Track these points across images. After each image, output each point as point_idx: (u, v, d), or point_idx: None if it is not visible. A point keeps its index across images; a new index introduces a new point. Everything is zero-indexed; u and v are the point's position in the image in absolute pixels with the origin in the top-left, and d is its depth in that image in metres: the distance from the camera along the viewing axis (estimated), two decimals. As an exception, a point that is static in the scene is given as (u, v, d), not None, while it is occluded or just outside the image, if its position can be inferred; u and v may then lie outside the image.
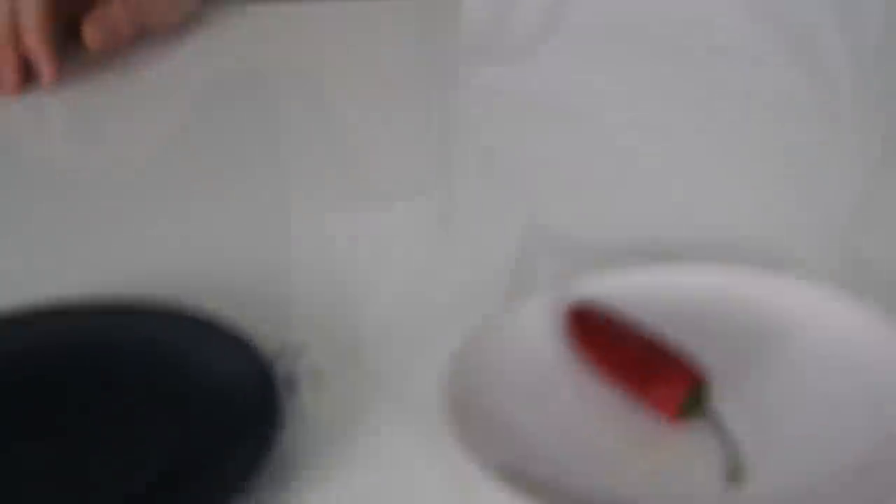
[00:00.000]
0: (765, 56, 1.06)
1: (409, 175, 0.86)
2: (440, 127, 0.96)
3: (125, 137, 0.98)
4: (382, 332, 0.68)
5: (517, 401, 0.59)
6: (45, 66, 1.01)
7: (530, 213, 0.81)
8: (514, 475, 0.53)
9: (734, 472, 0.54)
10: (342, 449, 0.58)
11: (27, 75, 1.03)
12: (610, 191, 0.83)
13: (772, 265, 0.68)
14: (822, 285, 0.64)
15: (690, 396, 0.56)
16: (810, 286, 0.64)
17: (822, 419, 0.58)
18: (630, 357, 0.60)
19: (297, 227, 0.81)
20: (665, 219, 0.78)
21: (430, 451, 0.58)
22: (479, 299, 0.67)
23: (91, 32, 1.02)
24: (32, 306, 0.66)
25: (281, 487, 0.56)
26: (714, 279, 0.65)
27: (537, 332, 0.63)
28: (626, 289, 0.64)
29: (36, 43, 1.02)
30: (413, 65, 1.08)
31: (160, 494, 0.54)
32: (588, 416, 0.59)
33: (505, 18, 1.13)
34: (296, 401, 0.60)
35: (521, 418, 0.58)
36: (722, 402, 0.57)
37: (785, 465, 0.55)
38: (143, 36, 1.05)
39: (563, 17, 1.13)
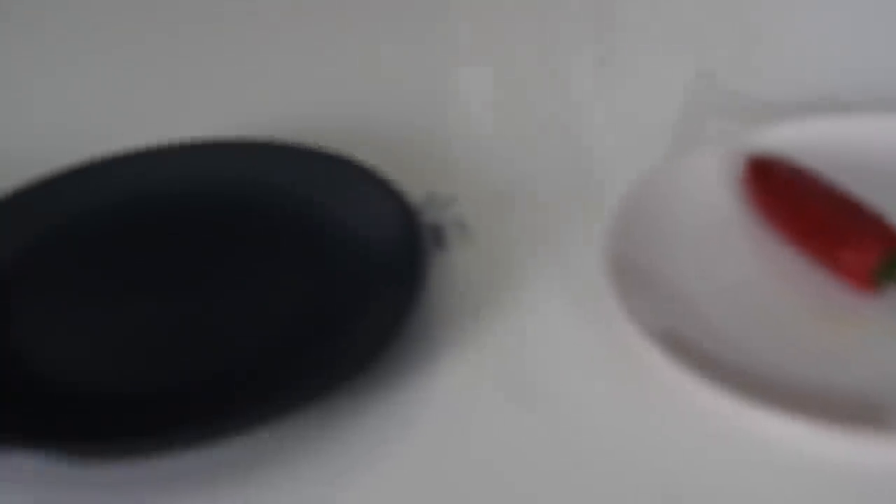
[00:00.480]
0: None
1: (567, 19, 0.83)
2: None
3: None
4: (537, 185, 0.66)
5: (685, 262, 0.58)
6: None
7: (698, 60, 0.78)
8: (681, 345, 0.52)
9: None
10: (491, 310, 0.58)
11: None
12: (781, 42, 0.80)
13: None
14: None
15: (886, 262, 0.54)
16: None
17: None
18: (817, 217, 0.57)
19: (445, 77, 0.79)
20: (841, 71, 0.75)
21: (585, 314, 0.57)
22: (642, 150, 0.66)
23: None
24: (190, 141, 0.67)
25: (425, 348, 0.55)
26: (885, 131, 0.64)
27: (708, 187, 0.62)
28: (809, 141, 0.62)
29: None
30: None
31: (307, 342, 0.55)
32: (765, 282, 0.57)
33: None
34: (443, 255, 0.60)
35: (690, 282, 0.57)
36: None
37: None
38: None
39: None
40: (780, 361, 0.52)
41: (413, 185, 0.62)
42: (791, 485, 0.49)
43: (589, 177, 0.66)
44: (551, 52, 0.82)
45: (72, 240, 0.63)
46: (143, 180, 0.65)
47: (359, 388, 0.53)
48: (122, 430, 0.50)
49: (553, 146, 0.70)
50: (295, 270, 0.60)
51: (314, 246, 0.61)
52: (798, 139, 0.62)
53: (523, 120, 0.74)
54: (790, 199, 0.59)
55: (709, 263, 0.58)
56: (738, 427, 0.51)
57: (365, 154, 0.64)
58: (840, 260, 0.55)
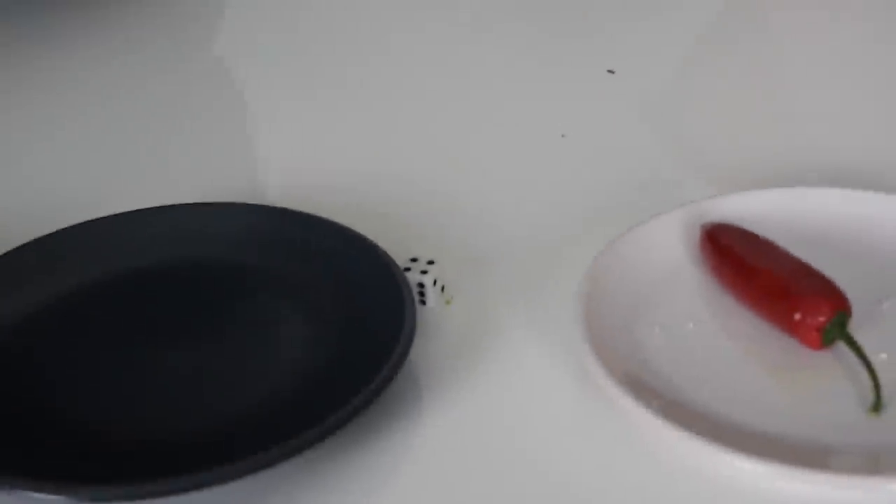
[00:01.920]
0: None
1: (536, 97, 0.85)
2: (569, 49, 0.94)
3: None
4: (510, 248, 0.67)
5: (649, 318, 0.59)
6: None
7: (663, 135, 0.80)
8: (640, 388, 0.53)
9: (875, 403, 0.53)
10: (469, 360, 0.59)
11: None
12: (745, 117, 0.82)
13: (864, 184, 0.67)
14: None
15: (831, 323, 0.56)
16: None
17: None
18: (769, 282, 0.59)
19: (425, 149, 0.80)
20: (797, 146, 0.77)
21: (557, 362, 0.58)
22: (609, 218, 0.66)
23: None
24: (208, 203, 0.68)
25: (409, 396, 0.56)
26: (846, 203, 0.65)
27: (670, 252, 0.63)
28: (761, 210, 0.64)
29: None
30: None
31: (306, 390, 0.56)
32: (721, 339, 0.59)
33: None
34: (426, 308, 0.61)
35: (654, 336, 0.58)
36: (861, 330, 0.56)
37: None
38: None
39: None
40: (736, 408, 0.53)
41: (397, 249, 0.63)
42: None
43: (558, 243, 0.67)
44: (519, 128, 0.81)
45: (88, 296, 0.63)
46: (151, 240, 0.66)
47: (349, 435, 0.53)
48: (136, 473, 0.51)
49: (526, 214, 0.71)
50: (292, 325, 0.61)
51: (310, 303, 0.62)
52: (751, 209, 0.64)
53: (497, 190, 0.74)
54: (743, 264, 0.61)
55: (671, 319, 0.60)
56: (698, 465, 0.52)
57: (355, 222, 0.65)
58: (792, 322, 0.57)
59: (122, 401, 0.57)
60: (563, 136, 0.81)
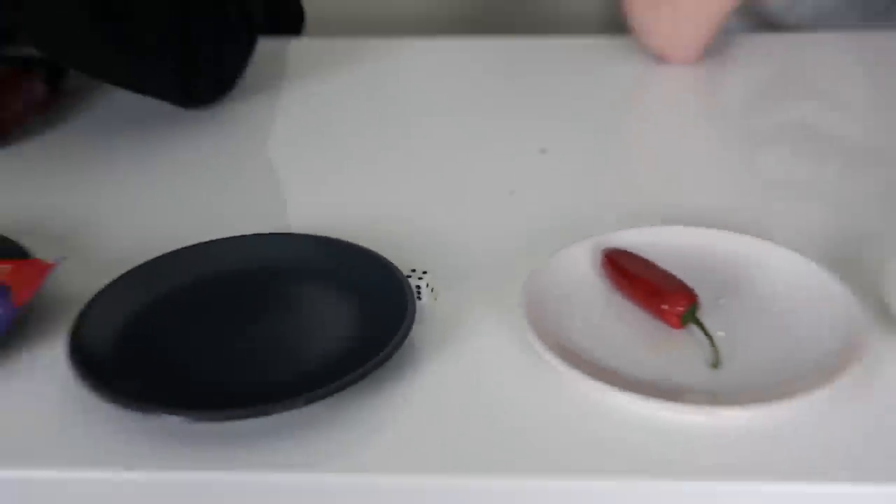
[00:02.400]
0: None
1: (493, 161, 0.84)
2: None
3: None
4: (479, 264, 0.68)
5: (569, 311, 0.61)
6: None
7: (581, 188, 0.80)
8: (566, 353, 0.55)
9: (715, 362, 0.56)
10: (450, 335, 0.60)
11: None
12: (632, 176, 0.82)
13: (735, 227, 0.67)
14: (774, 244, 0.64)
15: (687, 311, 0.59)
16: (760, 242, 0.65)
17: (771, 326, 0.60)
18: (646, 286, 0.61)
19: (419, 199, 0.79)
20: (669, 195, 0.77)
21: (510, 335, 0.59)
22: (545, 245, 0.66)
23: None
24: (260, 234, 0.68)
25: (409, 360, 0.57)
26: (701, 237, 0.66)
27: (582, 268, 0.64)
28: (642, 240, 0.65)
29: None
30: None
31: (343, 355, 0.57)
32: (616, 322, 0.61)
33: None
34: (420, 303, 0.62)
35: (573, 321, 0.60)
36: (706, 316, 0.59)
37: (747, 357, 0.57)
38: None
39: None
40: (625, 365, 0.56)
41: (401, 263, 0.63)
42: (625, 433, 0.52)
43: (511, 261, 0.66)
44: (484, 185, 0.80)
45: (188, 297, 0.63)
46: (237, 256, 0.66)
47: (370, 387, 0.55)
48: (227, 403, 0.52)
49: (489, 242, 0.71)
50: (333, 313, 0.62)
51: (344, 298, 0.62)
52: (636, 240, 0.65)
53: (469, 226, 0.74)
54: (629, 275, 0.62)
55: (584, 311, 0.61)
56: (601, 400, 0.54)
57: (374, 246, 0.66)
58: (662, 311, 0.59)
59: (219, 361, 0.58)
60: (511, 192, 0.80)
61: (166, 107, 0.89)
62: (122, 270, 0.63)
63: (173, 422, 0.52)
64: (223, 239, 0.67)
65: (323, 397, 0.52)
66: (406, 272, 0.62)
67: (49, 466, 0.51)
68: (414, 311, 0.58)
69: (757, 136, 0.87)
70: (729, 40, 1.05)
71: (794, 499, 0.50)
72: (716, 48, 1.01)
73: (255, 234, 0.67)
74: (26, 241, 0.67)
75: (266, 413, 0.51)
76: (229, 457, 0.51)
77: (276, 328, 0.61)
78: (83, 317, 0.58)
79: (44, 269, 0.61)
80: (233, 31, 0.88)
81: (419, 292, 0.62)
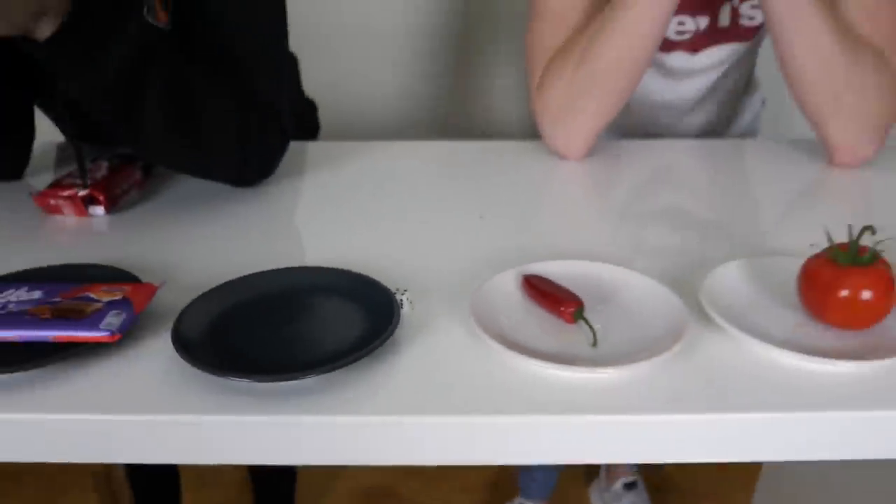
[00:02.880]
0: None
1: (452, 219, 0.84)
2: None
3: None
4: (442, 284, 0.69)
5: (502, 312, 0.62)
6: None
7: (511, 235, 0.80)
8: (501, 339, 0.58)
9: (594, 343, 0.59)
10: (423, 332, 0.62)
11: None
12: (549, 232, 0.83)
13: (612, 262, 0.68)
14: (636, 272, 0.66)
15: (576, 311, 0.61)
16: (625, 270, 0.67)
17: (631, 321, 0.62)
18: (550, 296, 0.63)
19: (401, 240, 0.79)
20: (570, 244, 0.78)
21: (464, 329, 0.62)
22: (487, 271, 0.68)
23: None
24: (293, 267, 0.68)
25: (393, 349, 0.59)
26: (587, 267, 0.68)
27: (510, 287, 0.66)
28: (550, 269, 0.67)
29: None
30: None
31: (351, 342, 0.58)
32: (532, 321, 0.62)
33: None
34: (402, 311, 0.63)
35: (504, 320, 0.62)
36: (590, 314, 0.62)
37: (616, 341, 0.60)
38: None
39: None
40: (539, 346, 0.58)
41: (389, 283, 0.65)
42: (539, 388, 0.55)
43: (465, 282, 0.67)
44: (446, 234, 0.80)
45: (247, 306, 0.64)
46: (275, 282, 0.66)
47: (368, 362, 0.57)
48: (274, 371, 0.55)
49: (449, 269, 0.71)
50: (342, 320, 0.62)
51: (350, 310, 0.63)
52: (545, 269, 0.67)
53: (434, 260, 0.73)
54: (540, 290, 0.64)
55: (511, 314, 0.62)
56: (524, 367, 0.57)
57: (371, 273, 0.66)
58: (561, 312, 0.61)
59: (268, 346, 0.59)
60: (480, 216, 0.81)
61: (224, 186, 0.91)
62: (202, 291, 0.64)
63: (240, 383, 0.55)
64: (269, 270, 0.68)
65: (337, 368, 0.55)
66: (393, 290, 0.64)
67: (161, 413, 0.54)
68: (399, 316, 0.60)
69: (629, 207, 0.90)
70: (608, 144, 1.09)
71: (645, 426, 0.54)
72: (600, 149, 1.04)
73: (289, 267, 0.68)
74: (138, 273, 0.69)
75: (298, 378, 0.55)
76: (276, 407, 0.54)
77: (307, 327, 0.62)
78: (179, 319, 0.60)
79: (152, 289, 0.64)
80: (273, 133, 0.89)
81: (402, 303, 0.64)
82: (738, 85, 1.12)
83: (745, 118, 1.18)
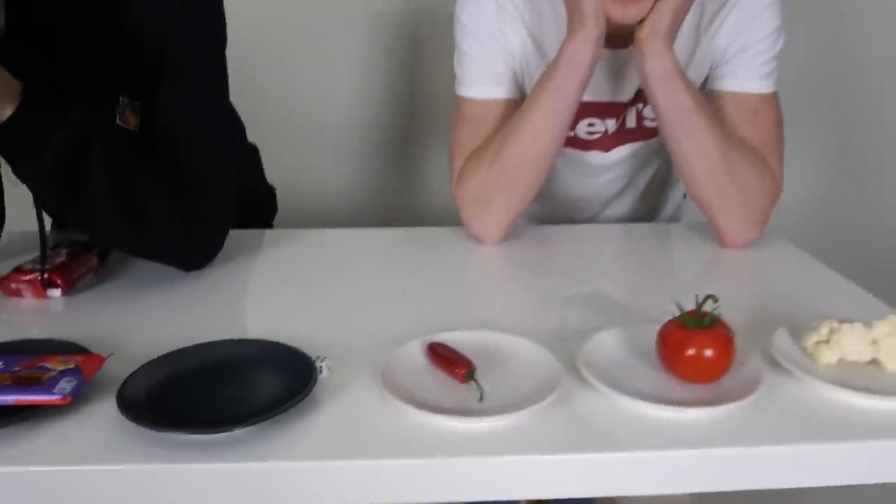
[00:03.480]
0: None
1: (387, 296, 0.91)
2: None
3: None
4: (362, 352, 0.75)
5: (408, 375, 0.69)
6: None
7: (421, 312, 0.87)
8: (405, 398, 0.64)
9: (481, 398, 0.66)
10: (340, 392, 0.68)
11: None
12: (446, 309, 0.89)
13: (507, 331, 0.75)
14: (521, 338, 0.74)
15: (468, 373, 0.69)
16: (516, 338, 0.74)
17: (516, 379, 0.69)
18: (447, 360, 0.70)
19: (324, 319, 0.85)
20: (470, 318, 0.86)
21: (373, 395, 0.68)
22: (397, 341, 0.74)
23: None
24: (229, 339, 0.74)
25: (312, 405, 0.66)
26: (485, 336, 0.75)
27: (416, 353, 0.73)
28: (449, 338, 0.74)
29: None
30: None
31: (279, 400, 0.64)
32: (432, 381, 0.69)
33: None
34: (321, 376, 0.70)
35: (410, 380, 0.68)
36: (482, 374, 0.69)
37: (502, 396, 0.67)
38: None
39: None
40: (437, 401, 0.65)
41: (313, 352, 0.71)
42: (436, 436, 0.60)
43: (377, 349, 0.72)
44: (360, 311, 0.86)
45: (187, 372, 0.70)
46: (215, 351, 0.72)
47: (289, 418, 0.63)
48: (205, 425, 0.61)
49: (366, 340, 0.77)
50: (271, 381, 0.69)
51: (278, 373, 0.69)
52: (446, 337, 0.73)
53: (355, 331, 0.80)
54: (441, 356, 0.71)
55: (414, 378, 0.68)
56: (421, 420, 0.62)
57: (296, 344, 0.73)
58: (456, 373, 0.68)
59: (205, 405, 0.65)
60: (404, 292, 0.88)
61: (175, 270, 0.97)
62: (146, 361, 0.71)
63: (177, 436, 0.61)
64: (207, 342, 0.74)
65: (259, 422, 0.62)
66: (314, 357, 0.71)
67: (107, 464, 0.60)
68: (315, 380, 0.67)
69: (532, 285, 0.98)
70: (529, 229, 1.18)
71: (524, 465, 0.60)
72: (521, 234, 1.13)
73: (225, 339, 0.74)
74: (91, 346, 0.75)
75: (232, 429, 0.62)
76: (210, 455, 0.60)
77: (238, 389, 0.68)
78: (124, 384, 0.67)
79: (101, 359, 0.70)
80: (213, 219, 0.96)
81: (321, 369, 0.71)
82: (657, 178, 1.22)
83: (668, 209, 1.29)
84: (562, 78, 0.95)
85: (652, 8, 0.90)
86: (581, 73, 0.94)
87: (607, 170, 1.17)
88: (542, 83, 0.97)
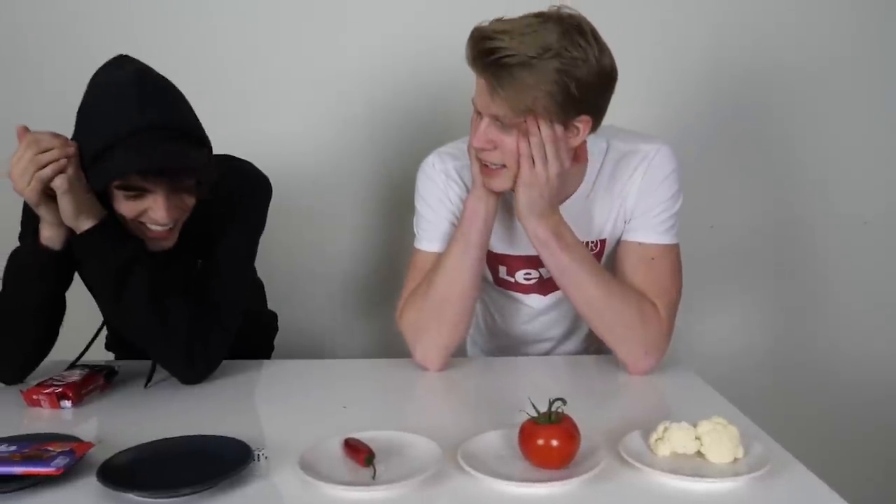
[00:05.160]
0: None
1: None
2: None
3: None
4: (286, 447, 0.89)
5: (325, 461, 0.84)
6: None
7: (352, 417, 1.02)
8: (316, 475, 0.80)
9: (374, 476, 0.81)
10: (270, 474, 0.84)
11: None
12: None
13: (415, 432, 0.86)
14: (419, 436, 0.87)
15: (367, 457, 0.84)
16: (416, 435, 0.88)
17: (409, 463, 0.84)
18: (355, 450, 0.86)
19: (274, 424, 1.02)
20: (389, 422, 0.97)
21: (295, 479, 0.82)
22: (313, 439, 0.88)
23: None
24: (190, 435, 0.92)
25: (252, 485, 0.82)
26: (392, 434, 0.88)
27: (335, 447, 0.89)
28: (366, 435, 0.89)
29: None
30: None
31: (217, 477, 0.81)
32: (343, 467, 0.84)
33: None
34: (258, 465, 0.86)
35: (327, 465, 0.83)
36: (381, 460, 0.84)
37: (394, 475, 0.81)
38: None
39: None
40: (346, 480, 0.79)
41: (253, 444, 0.86)
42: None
43: (298, 446, 0.84)
44: (304, 417, 1.01)
45: (156, 455, 0.87)
46: (176, 443, 0.90)
47: (225, 489, 0.79)
48: (162, 490, 0.79)
49: (307, 439, 0.90)
50: (217, 465, 0.84)
51: (224, 459, 0.84)
52: (364, 435, 0.85)
53: (300, 432, 0.94)
54: (351, 446, 0.86)
55: (331, 463, 0.84)
56: (335, 496, 0.78)
57: (246, 440, 0.87)
58: (359, 458, 0.83)
59: (161, 481, 0.81)
60: (343, 406, 1.02)
61: (166, 394, 1.14)
62: (124, 448, 0.90)
63: (140, 498, 0.81)
64: (175, 436, 0.93)
65: (205, 489, 0.81)
66: (255, 449, 0.89)
67: None
68: (248, 464, 0.85)
69: (448, 397, 1.11)
70: (475, 360, 1.34)
71: None
72: (465, 364, 1.26)
73: (186, 435, 0.94)
74: (85, 438, 0.95)
75: (177, 496, 0.81)
76: None
77: (192, 470, 0.86)
78: (105, 463, 0.87)
79: (90, 445, 0.91)
80: (218, 341, 1.17)
81: (258, 457, 0.89)
82: None
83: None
84: (465, 226, 1.13)
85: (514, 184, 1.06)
86: (479, 220, 1.12)
87: (548, 310, 1.31)
88: (455, 232, 1.16)
